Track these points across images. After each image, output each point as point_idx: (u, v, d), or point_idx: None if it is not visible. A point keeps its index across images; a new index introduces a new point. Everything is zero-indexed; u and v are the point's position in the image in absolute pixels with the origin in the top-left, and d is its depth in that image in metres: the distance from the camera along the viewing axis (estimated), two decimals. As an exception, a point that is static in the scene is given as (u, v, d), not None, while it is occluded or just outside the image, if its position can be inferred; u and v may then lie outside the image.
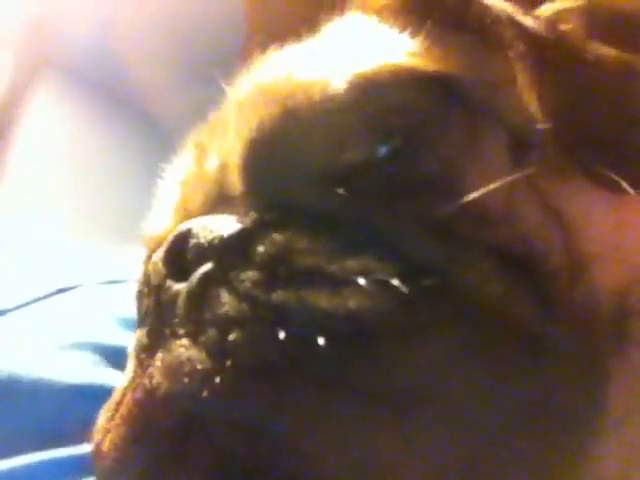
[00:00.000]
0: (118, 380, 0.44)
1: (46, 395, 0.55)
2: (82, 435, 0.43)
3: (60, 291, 0.71)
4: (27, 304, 0.69)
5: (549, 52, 0.41)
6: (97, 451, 0.40)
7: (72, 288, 0.71)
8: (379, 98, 0.41)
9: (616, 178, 0.38)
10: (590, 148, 0.40)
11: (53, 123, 1.38)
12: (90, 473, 0.41)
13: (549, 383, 0.37)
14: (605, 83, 0.41)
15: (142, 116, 1.37)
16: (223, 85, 0.47)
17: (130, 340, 0.54)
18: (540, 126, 0.40)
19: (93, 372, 0.57)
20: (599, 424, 0.38)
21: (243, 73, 0.47)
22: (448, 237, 0.38)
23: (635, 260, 0.40)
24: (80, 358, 0.59)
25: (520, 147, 0.40)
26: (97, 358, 0.59)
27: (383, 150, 0.40)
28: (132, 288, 0.66)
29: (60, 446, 0.50)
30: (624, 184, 0.38)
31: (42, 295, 0.70)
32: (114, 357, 0.57)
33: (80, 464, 0.43)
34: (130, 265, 0.75)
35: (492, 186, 0.38)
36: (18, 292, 0.71)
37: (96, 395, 0.43)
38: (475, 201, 0.39)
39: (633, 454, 0.39)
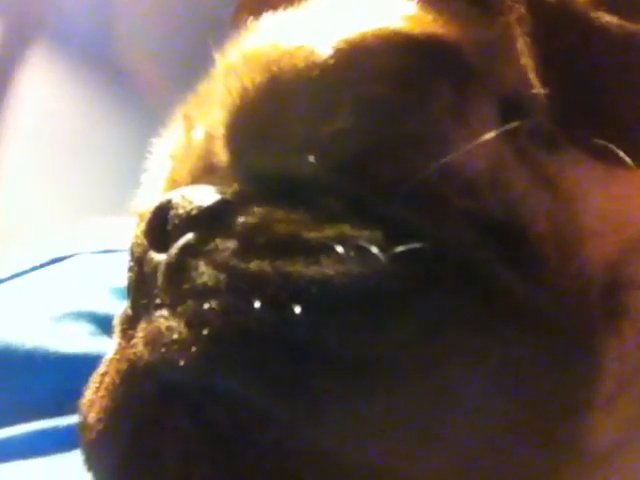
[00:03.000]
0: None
1: (42, 365, 0.56)
2: (77, 405, 0.44)
3: (55, 260, 0.72)
4: (22, 273, 0.70)
5: (551, 17, 0.41)
6: (83, 423, 0.41)
7: (67, 257, 0.72)
8: (364, 64, 0.41)
9: (613, 149, 0.39)
10: (587, 117, 0.40)
11: (43, 90, 1.38)
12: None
13: (534, 352, 0.37)
14: (608, 51, 0.41)
15: (135, 84, 1.37)
16: (213, 54, 0.47)
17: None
18: (535, 90, 0.40)
19: (89, 342, 0.58)
20: (590, 398, 0.38)
21: (233, 41, 0.47)
22: (431, 203, 0.39)
23: (629, 232, 0.40)
24: (76, 328, 0.60)
25: (513, 114, 0.40)
26: (93, 328, 0.61)
27: (366, 116, 0.40)
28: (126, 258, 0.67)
29: (56, 416, 0.51)
30: (622, 154, 0.39)
31: (37, 264, 0.71)
32: (110, 327, 0.58)
33: (75, 435, 0.44)
34: (125, 235, 0.76)
35: (475, 143, 0.39)
36: (13, 261, 0.72)
37: (93, 365, 0.43)
38: (460, 166, 0.39)
39: (626, 428, 0.40)
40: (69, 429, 0.49)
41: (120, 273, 0.68)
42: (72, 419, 0.48)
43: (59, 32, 1.42)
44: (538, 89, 0.40)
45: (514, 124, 0.40)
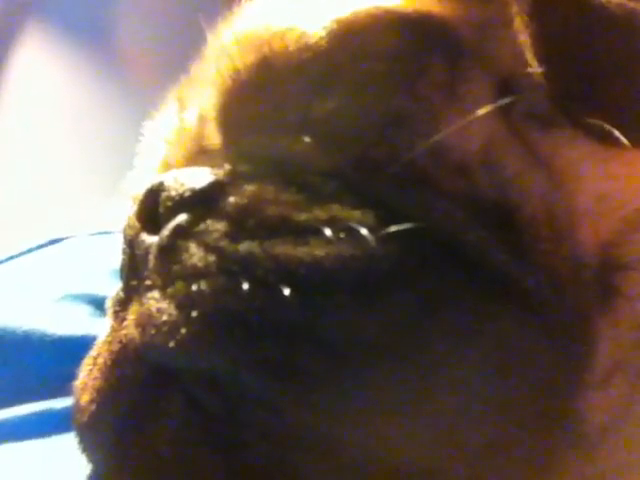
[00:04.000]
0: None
1: (39, 347, 0.57)
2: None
3: (52, 242, 0.72)
4: (19, 255, 0.70)
5: None
6: (76, 405, 0.41)
7: (64, 239, 0.73)
8: (355, 44, 0.41)
9: (609, 128, 0.39)
10: (583, 97, 0.40)
11: (38, 73, 1.38)
12: None
13: (526, 333, 0.37)
14: (607, 29, 0.41)
15: (130, 66, 1.37)
16: (206, 35, 0.47)
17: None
18: (532, 71, 0.40)
19: (88, 324, 0.58)
20: (584, 378, 0.39)
21: (226, 21, 0.47)
22: (422, 183, 0.39)
23: (623, 212, 0.41)
24: (75, 310, 0.61)
25: (508, 93, 0.40)
26: (92, 309, 0.61)
27: (357, 96, 0.41)
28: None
29: (53, 398, 0.52)
30: (617, 133, 0.39)
31: (34, 246, 0.72)
32: None
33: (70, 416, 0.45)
34: (122, 216, 0.76)
35: (466, 120, 0.39)
36: (10, 243, 0.72)
37: (91, 347, 0.44)
38: (452, 146, 0.39)
39: (621, 406, 0.40)
40: (65, 411, 0.48)
41: (118, 255, 0.68)
42: (68, 401, 0.49)
43: (54, 14, 1.42)
44: (534, 67, 0.40)
45: (507, 100, 0.40)
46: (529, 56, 0.40)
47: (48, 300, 0.62)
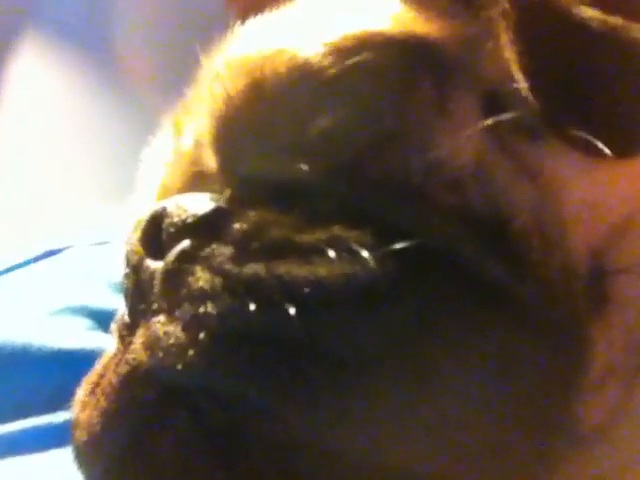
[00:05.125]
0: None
1: (38, 360, 0.57)
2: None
3: (50, 253, 0.72)
4: (16, 267, 0.71)
5: (534, 12, 0.42)
6: (75, 423, 0.42)
7: (62, 250, 0.73)
8: (344, 64, 0.42)
9: (592, 139, 0.40)
10: (567, 110, 0.42)
11: (37, 81, 1.38)
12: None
13: (522, 343, 0.39)
14: (589, 45, 0.42)
15: (130, 74, 1.37)
16: (200, 57, 0.48)
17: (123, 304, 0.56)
18: (518, 84, 0.41)
19: (87, 337, 0.59)
20: (579, 383, 0.40)
21: (221, 43, 0.48)
22: (417, 200, 0.40)
23: (611, 219, 0.42)
24: (73, 323, 0.61)
25: (495, 107, 0.42)
26: (90, 323, 0.62)
27: (348, 115, 0.42)
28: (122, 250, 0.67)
29: (52, 411, 0.53)
30: (600, 144, 0.40)
31: (31, 257, 0.72)
32: (107, 321, 0.59)
33: (69, 431, 0.45)
34: (122, 226, 0.76)
35: (459, 138, 0.40)
36: (6, 254, 0.73)
37: (90, 360, 0.45)
38: (445, 162, 0.41)
39: (617, 408, 0.42)
40: (65, 425, 0.49)
41: (117, 266, 0.68)
42: (68, 415, 0.49)
43: (52, 21, 1.42)
44: (520, 83, 0.41)
45: (498, 117, 0.41)
46: (515, 71, 0.42)
47: (46, 313, 0.62)
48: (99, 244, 0.74)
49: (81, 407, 0.42)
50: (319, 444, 0.37)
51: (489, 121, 0.41)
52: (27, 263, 0.72)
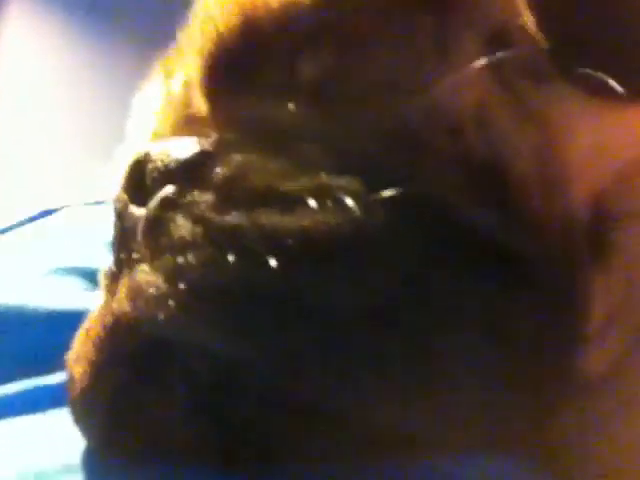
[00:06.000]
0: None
1: (33, 321, 0.57)
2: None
3: (45, 213, 0.72)
4: (11, 228, 0.70)
5: None
6: (69, 377, 0.42)
7: (57, 210, 0.73)
8: (339, 4, 0.41)
9: (603, 77, 0.38)
10: (576, 47, 0.40)
11: (29, 39, 1.37)
12: None
13: (519, 297, 0.38)
14: None
15: (127, 30, 1.36)
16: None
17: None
18: (524, 21, 0.39)
19: (83, 297, 0.58)
20: (580, 333, 0.39)
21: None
22: (412, 145, 0.39)
23: (617, 164, 0.41)
24: (69, 283, 0.61)
25: (500, 46, 0.40)
26: (86, 283, 0.61)
27: (346, 56, 0.40)
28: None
29: (48, 372, 0.52)
30: (612, 82, 0.38)
31: (26, 218, 0.72)
32: None
33: (65, 391, 0.45)
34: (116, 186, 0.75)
35: (461, 80, 0.39)
36: (2, 218, 0.72)
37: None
38: (444, 104, 0.39)
39: (618, 357, 0.41)
40: (59, 386, 0.49)
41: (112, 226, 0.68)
42: (63, 376, 0.49)
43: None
44: (527, 18, 0.39)
45: (500, 55, 0.39)
46: (521, 7, 0.40)
47: (41, 274, 0.62)
48: (95, 204, 0.73)
49: (74, 361, 0.42)
50: (304, 403, 0.36)
51: (491, 59, 0.39)
52: (22, 223, 0.71)
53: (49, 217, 0.72)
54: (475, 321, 0.37)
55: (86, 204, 0.74)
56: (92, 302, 0.57)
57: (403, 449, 0.37)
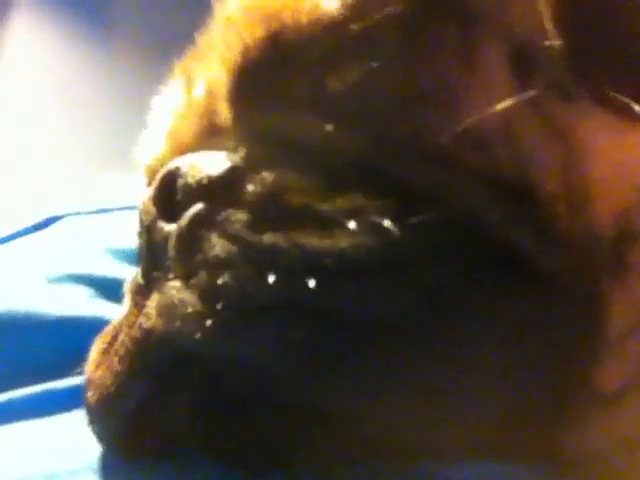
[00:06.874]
0: (113, 313, 0.46)
1: (40, 328, 0.57)
2: (76, 367, 0.46)
3: (49, 221, 0.72)
4: (16, 235, 0.70)
5: None
6: (89, 383, 0.42)
7: (61, 218, 0.72)
8: (370, 15, 0.40)
9: (627, 101, 0.39)
10: (602, 68, 0.40)
11: (32, 41, 1.36)
12: (82, 405, 0.43)
13: (544, 312, 0.38)
14: (629, 1, 0.40)
15: (131, 37, 1.36)
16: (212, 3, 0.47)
17: (123, 271, 0.55)
18: (550, 41, 0.40)
19: (89, 305, 0.59)
20: (598, 347, 0.40)
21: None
22: (443, 164, 0.39)
23: (638, 182, 0.41)
24: (74, 291, 0.61)
25: (525, 63, 0.41)
26: (92, 291, 0.61)
27: (373, 69, 0.40)
28: (122, 217, 0.67)
29: (55, 378, 0.52)
30: (636, 106, 0.39)
31: (32, 225, 0.71)
32: (108, 289, 0.59)
33: (74, 396, 0.46)
34: (120, 193, 0.76)
35: (496, 107, 0.39)
36: (5, 223, 0.72)
37: (92, 328, 0.45)
38: (473, 122, 0.39)
39: (633, 370, 0.41)
40: (68, 391, 0.50)
41: (117, 233, 0.68)
42: (70, 381, 0.50)
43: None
44: (553, 38, 0.40)
45: (527, 71, 0.40)
46: (548, 25, 0.40)
47: (47, 281, 0.62)
48: (99, 212, 0.73)
49: (94, 366, 0.42)
50: (338, 414, 0.36)
51: (519, 75, 0.40)
52: (28, 231, 0.71)
53: (54, 224, 0.72)
54: (505, 335, 0.38)
55: (90, 212, 0.74)
56: (97, 310, 0.57)
57: (408, 454, 0.38)
